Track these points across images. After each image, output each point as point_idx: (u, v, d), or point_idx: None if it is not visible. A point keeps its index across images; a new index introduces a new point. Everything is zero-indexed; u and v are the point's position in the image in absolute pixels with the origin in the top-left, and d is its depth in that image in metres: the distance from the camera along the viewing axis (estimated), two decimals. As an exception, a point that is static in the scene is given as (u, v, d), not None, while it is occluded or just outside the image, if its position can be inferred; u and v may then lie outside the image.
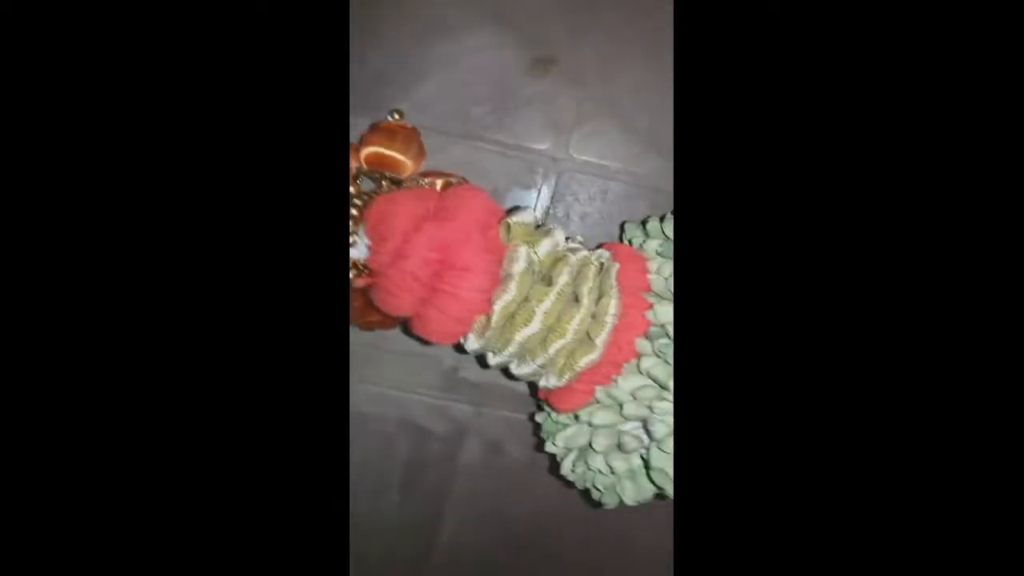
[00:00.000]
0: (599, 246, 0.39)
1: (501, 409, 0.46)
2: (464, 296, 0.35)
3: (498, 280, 0.35)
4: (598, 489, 0.36)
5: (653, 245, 0.38)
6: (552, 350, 0.35)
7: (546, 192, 0.45)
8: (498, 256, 0.36)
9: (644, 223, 0.40)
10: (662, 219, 0.39)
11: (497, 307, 0.35)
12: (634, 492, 0.35)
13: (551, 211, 0.45)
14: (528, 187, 0.44)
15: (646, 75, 0.44)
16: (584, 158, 0.44)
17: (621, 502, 0.36)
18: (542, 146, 0.44)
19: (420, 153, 0.42)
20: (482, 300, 0.35)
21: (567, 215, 0.45)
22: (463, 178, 0.43)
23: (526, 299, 0.35)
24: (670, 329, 0.34)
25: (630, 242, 0.40)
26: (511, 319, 0.35)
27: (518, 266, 0.35)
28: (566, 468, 0.37)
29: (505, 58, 0.43)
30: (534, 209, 0.45)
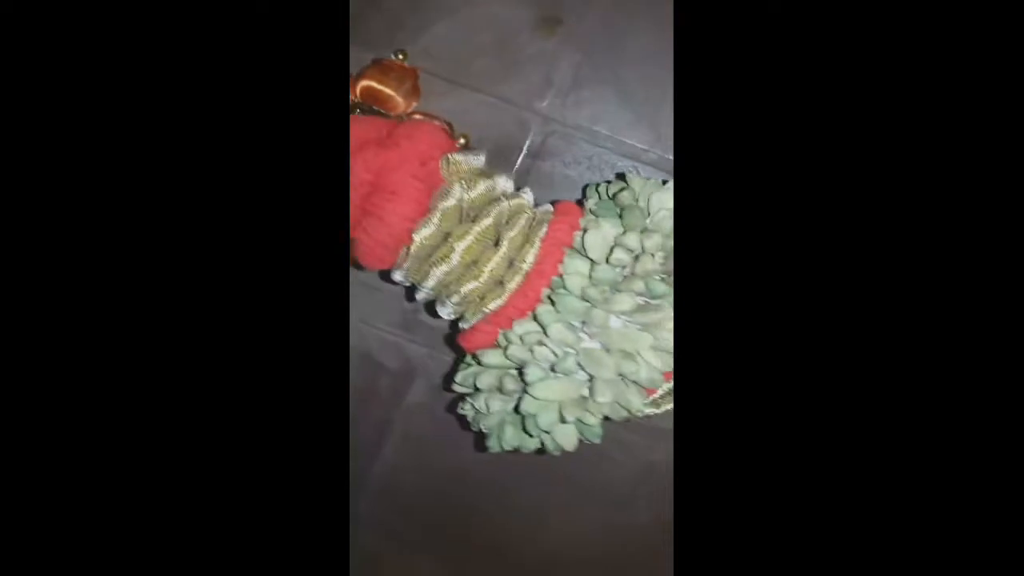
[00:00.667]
0: (554, 203, 0.38)
1: (452, 355, 0.46)
2: (388, 220, 0.36)
3: (425, 211, 0.36)
4: (483, 431, 0.36)
5: (590, 204, 0.36)
6: (464, 290, 0.35)
7: (532, 149, 0.45)
8: (431, 188, 0.37)
9: (597, 186, 0.39)
10: (611, 182, 0.38)
11: (416, 237, 0.36)
12: (513, 438, 0.35)
13: (533, 168, 0.45)
14: (516, 143, 0.45)
15: (649, 47, 0.43)
16: (575, 121, 0.44)
17: (503, 446, 0.35)
18: (537, 104, 0.44)
19: (412, 92, 0.43)
20: (406, 228, 0.36)
21: (550, 175, 0.45)
22: (449, 123, 0.44)
23: (448, 235, 0.36)
24: (568, 279, 0.33)
25: (581, 202, 0.39)
26: (430, 254, 0.36)
27: (446, 201, 0.36)
28: (463, 407, 0.37)
29: (514, 14, 0.44)
30: (515, 165, 0.45)
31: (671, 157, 0.43)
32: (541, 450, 0.35)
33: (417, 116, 0.42)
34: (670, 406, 0.39)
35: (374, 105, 0.42)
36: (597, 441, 0.34)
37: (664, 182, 0.35)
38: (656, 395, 0.37)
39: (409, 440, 0.48)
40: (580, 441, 0.34)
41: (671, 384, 0.35)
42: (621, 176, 0.36)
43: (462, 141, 0.43)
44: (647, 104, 0.44)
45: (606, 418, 0.34)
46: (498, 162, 0.44)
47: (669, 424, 0.47)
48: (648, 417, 0.38)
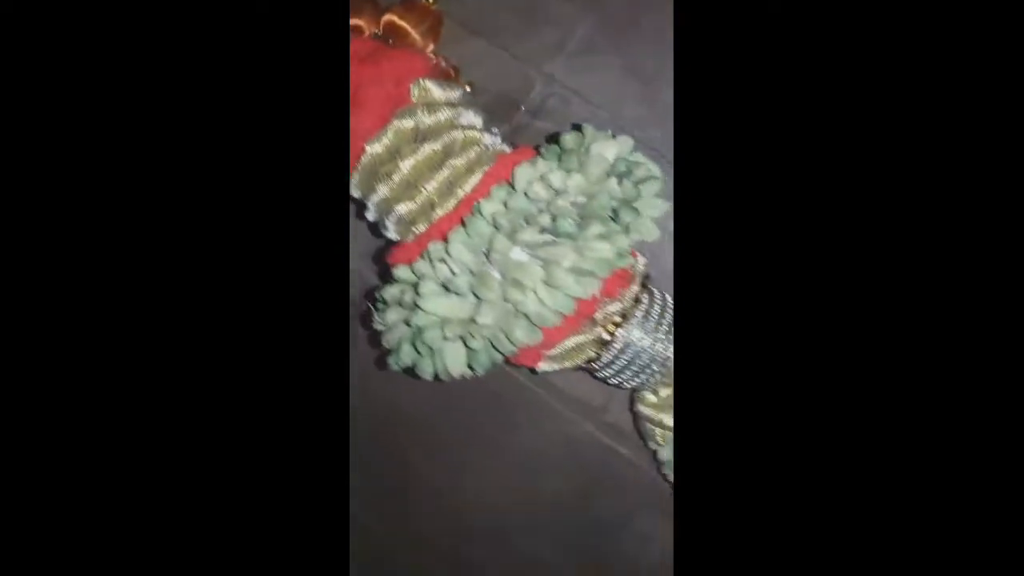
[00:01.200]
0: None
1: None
2: (352, 130, 0.37)
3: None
4: (392, 348, 0.36)
5: (542, 148, 0.36)
6: (401, 210, 0.36)
7: (531, 107, 0.45)
8: (398, 108, 0.38)
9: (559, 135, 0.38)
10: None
11: (367, 149, 0.37)
12: (407, 355, 0.34)
13: (530, 127, 0.45)
14: (517, 99, 0.45)
15: (663, 24, 0.42)
16: (577, 86, 0.44)
17: (399, 363, 0.35)
18: (545, 64, 0.44)
19: (430, 33, 0.45)
20: (362, 142, 0.37)
21: (543, 135, 0.44)
22: (456, 68, 0.45)
23: (396, 153, 0.36)
24: (484, 204, 0.33)
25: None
26: (377, 169, 0.37)
27: (403, 121, 0.36)
28: (375, 322, 0.38)
29: (546, -28, 0.44)
30: (513, 121, 0.45)
31: (661, 134, 0.42)
32: (437, 377, 0.35)
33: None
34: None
35: (392, 36, 0.44)
36: (480, 371, 0.33)
37: (613, 135, 0.34)
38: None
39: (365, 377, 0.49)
40: (471, 368, 0.34)
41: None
42: (578, 127, 0.35)
43: (467, 88, 0.43)
44: (651, 82, 0.43)
45: (504, 356, 0.33)
46: (497, 115, 0.44)
47: (599, 401, 0.46)
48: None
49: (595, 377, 0.40)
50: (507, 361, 0.37)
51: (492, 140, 0.37)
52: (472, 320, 0.31)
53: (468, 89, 0.43)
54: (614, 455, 0.47)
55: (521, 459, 0.49)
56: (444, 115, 0.36)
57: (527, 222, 0.31)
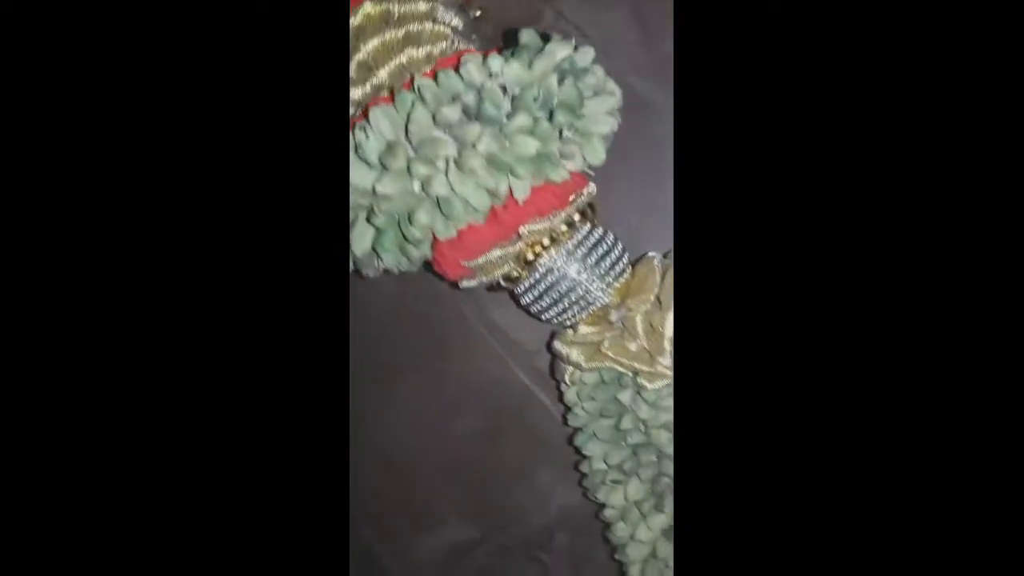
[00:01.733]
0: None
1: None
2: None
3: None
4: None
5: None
6: (355, 93, 0.36)
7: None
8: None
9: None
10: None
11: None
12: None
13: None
14: (519, 27, 0.45)
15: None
16: (579, 22, 0.43)
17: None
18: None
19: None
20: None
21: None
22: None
23: (361, 35, 0.36)
24: (416, 80, 0.33)
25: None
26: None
27: (374, 5, 0.36)
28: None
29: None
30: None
31: (650, 87, 0.41)
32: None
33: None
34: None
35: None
36: (389, 258, 0.33)
37: (576, 47, 0.33)
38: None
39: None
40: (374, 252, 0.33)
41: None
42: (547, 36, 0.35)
43: (478, 13, 0.43)
44: (655, 34, 0.42)
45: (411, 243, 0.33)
46: (496, 42, 0.44)
47: (535, 346, 0.45)
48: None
49: (518, 305, 0.39)
50: (436, 273, 0.36)
51: (464, 45, 0.37)
52: (373, 191, 0.30)
53: (479, 13, 0.43)
54: (533, 402, 0.46)
55: (446, 393, 0.49)
56: (421, 7, 0.36)
57: (452, 100, 0.31)
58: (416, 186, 0.31)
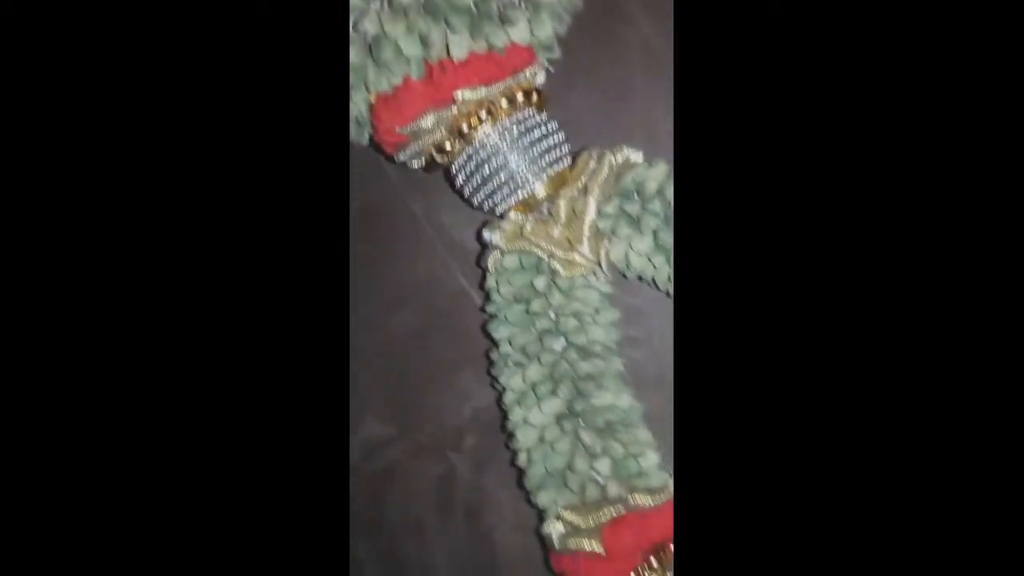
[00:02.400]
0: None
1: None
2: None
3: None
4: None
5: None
6: None
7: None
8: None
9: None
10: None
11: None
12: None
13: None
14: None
15: None
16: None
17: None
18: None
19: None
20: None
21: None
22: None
23: None
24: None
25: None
26: None
27: None
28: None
29: None
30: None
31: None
32: None
33: None
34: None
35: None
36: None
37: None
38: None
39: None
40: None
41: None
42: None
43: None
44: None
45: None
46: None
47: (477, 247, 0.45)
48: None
49: (453, 189, 0.39)
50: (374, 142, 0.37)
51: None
52: None
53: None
54: (466, 303, 0.46)
55: (387, 289, 0.49)
56: None
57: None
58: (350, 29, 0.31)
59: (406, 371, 0.48)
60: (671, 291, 0.35)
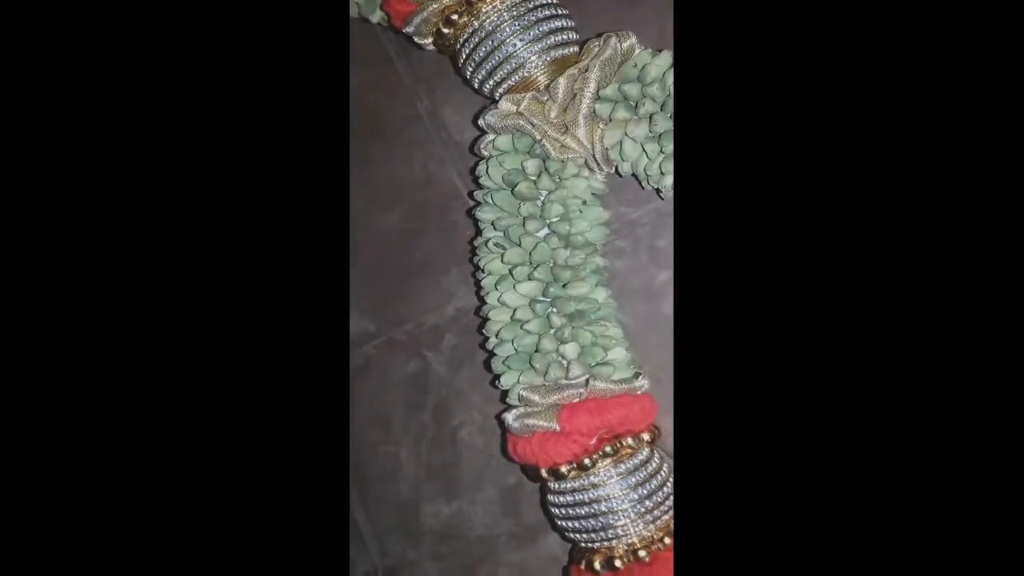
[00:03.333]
0: None
1: None
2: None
3: None
4: None
5: None
6: None
7: None
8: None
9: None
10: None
11: None
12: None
13: None
14: None
15: None
16: None
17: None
18: None
19: None
20: None
21: None
22: None
23: None
24: None
25: None
26: None
27: None
28: None
29: None
30: None
31: None
32: None
33: None
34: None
35: None
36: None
37: None
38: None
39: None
40: None
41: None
42: None
43: None
44: None
45: None
46: None
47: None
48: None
49: (457, 72, 0.39)
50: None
51: None
52: None
53: None
54: (459, 203, 0.46)
55: (382, 186, 0.49)
56: None
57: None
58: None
59: (392, 269, 0.48)
60: (663, 189, 0.34)
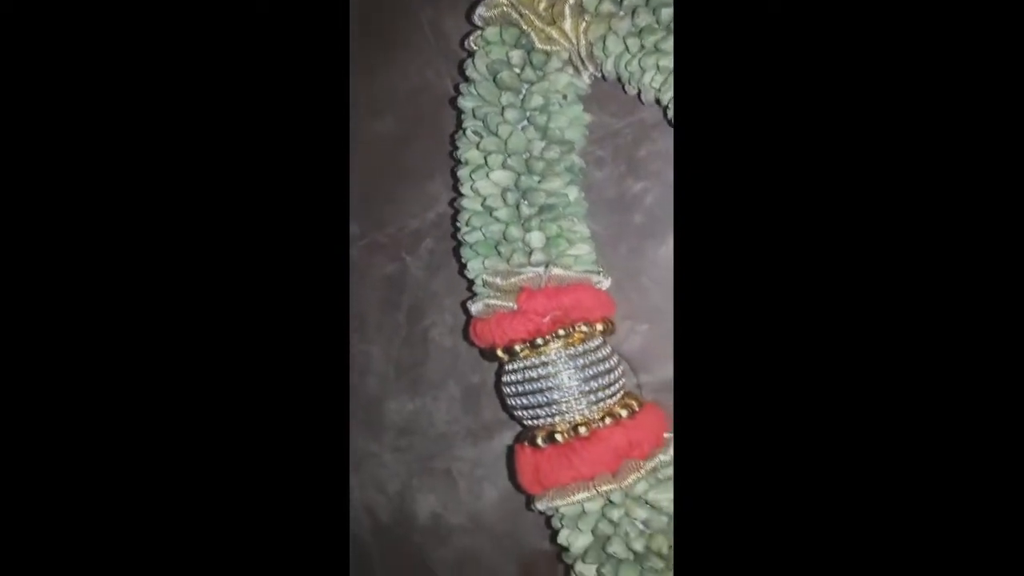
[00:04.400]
0: None
1: None
2: None
3: None
4: None
5: None
6: None
7: None
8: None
9: None
10: None
11: None
12: None
13: None
14: None
15: None
16: None
17: None
18: None
19: None
20: None
21: None
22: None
23: None
24: None
25: None
26: None
27: None
28: None
29: None
30: None
31: None
32: None
33: None
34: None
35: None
36: None
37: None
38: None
39: None
40: None
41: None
42: None
43: None
44: None
45: None
46: None
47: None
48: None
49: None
50: None
51: None
52: None
53: None
54: (448, 108, 0.46)
55: (378, 92, 0.49)
56: None
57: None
58: None
59: (380, 174, 0.49)
60: (643, 90, 0.35)
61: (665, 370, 0.38)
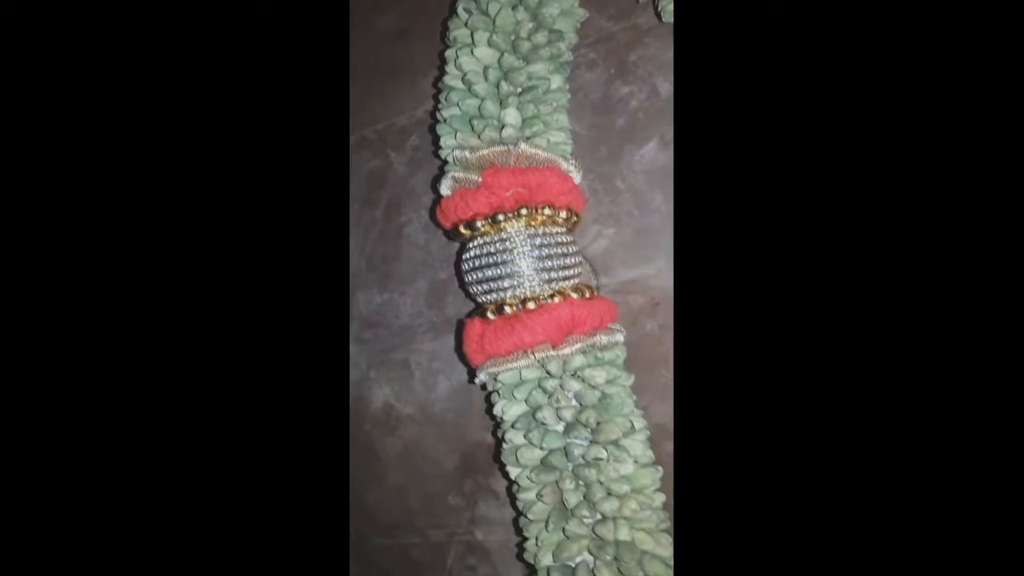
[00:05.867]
0: None
1: None
2: None
3: None
4: None
5: None
6: None
7: None
8: None
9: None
10: None
11: None
12: None
13: None
14: None
15: None
16: None
17: None
18: None
19: None
20: None
21: None
22: None
23: None
24: None
25: None
26: None
27: None
28: None
29: None
30: None
31: None
32: None
33: None
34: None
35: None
36: None
37: None
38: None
39: None
40: None
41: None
42: None
43: None
44: None
45: None
46: None
47: None
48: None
49: None
50: None
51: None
52: None
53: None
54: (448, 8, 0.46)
55: (383, 30, 0.49)
56: None
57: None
58: None
59: (378, 69, 0.48)
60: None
61: (626, 273, 0.38)
